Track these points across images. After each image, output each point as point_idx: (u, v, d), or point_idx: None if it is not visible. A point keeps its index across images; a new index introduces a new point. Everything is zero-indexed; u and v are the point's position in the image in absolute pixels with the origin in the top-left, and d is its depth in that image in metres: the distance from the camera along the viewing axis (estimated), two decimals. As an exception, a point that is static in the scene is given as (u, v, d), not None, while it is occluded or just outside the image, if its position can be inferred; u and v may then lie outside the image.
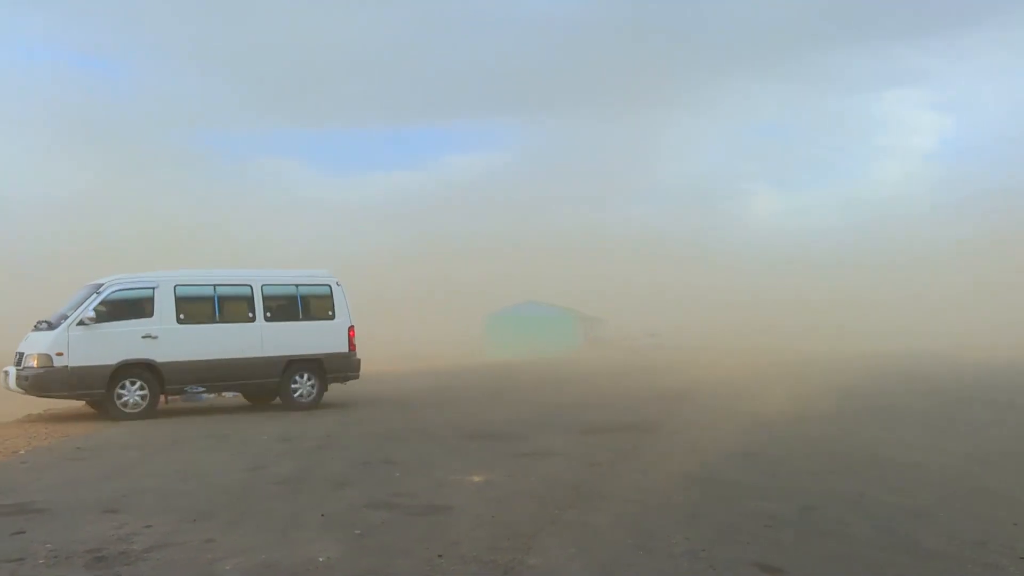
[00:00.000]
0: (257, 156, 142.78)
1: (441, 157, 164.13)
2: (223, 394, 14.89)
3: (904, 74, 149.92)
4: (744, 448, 9.50)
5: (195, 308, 13.46)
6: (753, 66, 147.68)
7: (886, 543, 5.37)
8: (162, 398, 13.22)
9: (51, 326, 12.54)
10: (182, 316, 13.12)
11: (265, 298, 13.87)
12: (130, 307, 12.87)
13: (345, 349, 14.48)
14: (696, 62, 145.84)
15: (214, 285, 13.74)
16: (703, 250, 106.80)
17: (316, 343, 14.22)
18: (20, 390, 12.48)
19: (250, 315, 13.75)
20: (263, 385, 14.10)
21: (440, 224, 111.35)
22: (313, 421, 12.39)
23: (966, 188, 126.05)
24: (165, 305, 12.97)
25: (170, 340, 12.88)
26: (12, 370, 12.52)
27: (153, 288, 12.99)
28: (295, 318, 14.33)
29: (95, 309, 12.46)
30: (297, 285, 14.52)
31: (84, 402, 13.29)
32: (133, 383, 12.60)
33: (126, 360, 12.55)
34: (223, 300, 13.77)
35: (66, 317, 12.50)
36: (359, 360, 14.83)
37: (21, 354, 12.62)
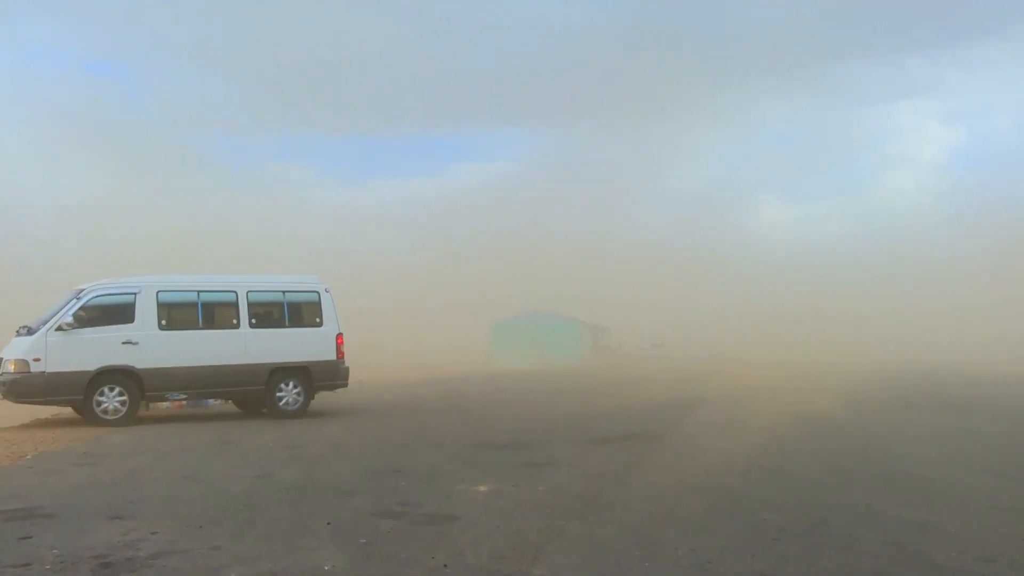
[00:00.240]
0: (269, 162, 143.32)
1: (449, 165, 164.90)
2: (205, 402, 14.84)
3: (915, 85, 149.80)
4: (752, 459, 9.45)
5: (178, 314, 13.35)
6: (763, 76, 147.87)
7: (895, 557, 5.32)
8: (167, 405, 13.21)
9: (31, 331, 12.49)
10: (164, 322, 13.00)
11: (250, 304, 13.67)
12: (111, 313, 12.75)
13: (333, 357, 14.20)
14: (705, 72, 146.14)
15: (198, 291, 13.59)
16: (711, 260, 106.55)
17: (303, 350, 13.98)
18: None
19: (234, 322, 13.55)
20: (247, 392, 13.87)
21: (448, 232, 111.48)
22: (320, 429, 12.39)
23: (976, 199, 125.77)
24: (147, 311, 12.83)
25: (151, 346, 12.73)
26: None
27: (135, 294, 12.86)
28: (281, 325, 14.11)
29: (74, 315, 12.38)
30: (284, 291, 14.30)
31: (71, 408, 13.17)
32: (112, 389, 12.48)
33: (105, 366, 12.42)
34: (207, 306, 13.63)
35: (47, 323, 12.44)
36: (347, 368, 14.55)
37: (1, 359, 12.54)
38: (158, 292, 13.04)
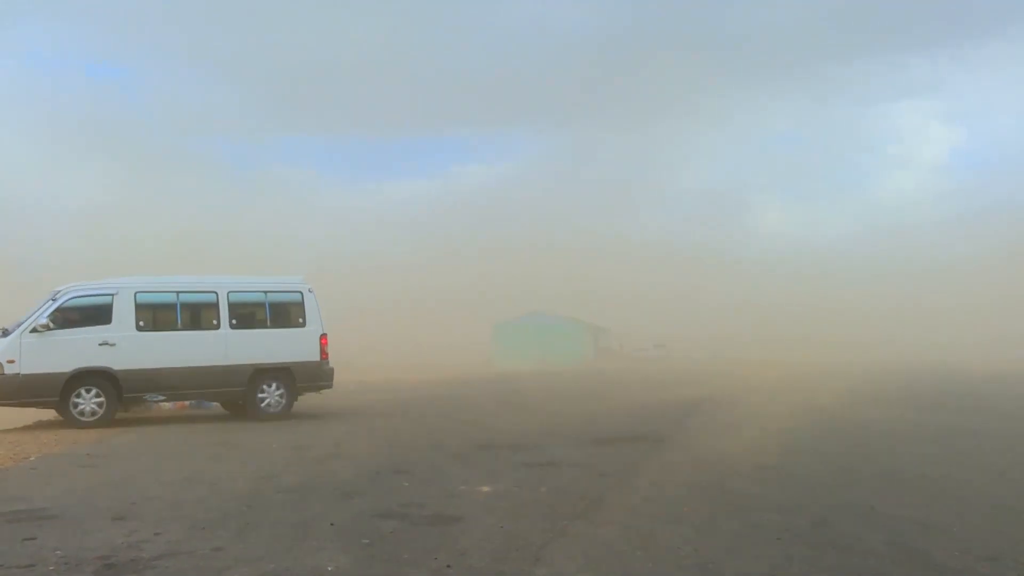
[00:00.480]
0: (270, 164, 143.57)
1: (450, 166, 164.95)
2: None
3: (916, 85, 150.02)
4: (755, 460, 9.44)
5: (156, 315, 13.26)
6: (766, 77, 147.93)
7: (898, 557, 5.32)
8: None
9: (6, 333, 12.43)
10: (142, 323, 12.92)
11: (231, 305, 13.54)
12: (87, 314, 12.70)
13: (317, 358, 14.04)
14: (706, 73, 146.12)
15: (177, 292, 13.49)
16: (712, 260, 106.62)
17: (285, 351, 13.84)
18: None
19: (215, 322, 13.43)
20: (229, 394, 13.74)
21: (449, 233, 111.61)
22: (322, 430, 12.39)
23: (977, 199, 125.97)
24: (124, 312, 12.75)
25: (129, 348, 12.66)
26: None
27: (112, 295, 12.79)
28: (263, 325, 13.98)
29: (50, 316, 12.32)
30: (266, 292, 14.15)
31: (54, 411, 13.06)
32: (89, 391, 12.41)
33: (81, 368, 12.36)
34: (186, 307, 13.53)
35: (22, 324, 12.39)
36: (332, 369, 14.39)
37: None
38: (136, 293, 12.95)
